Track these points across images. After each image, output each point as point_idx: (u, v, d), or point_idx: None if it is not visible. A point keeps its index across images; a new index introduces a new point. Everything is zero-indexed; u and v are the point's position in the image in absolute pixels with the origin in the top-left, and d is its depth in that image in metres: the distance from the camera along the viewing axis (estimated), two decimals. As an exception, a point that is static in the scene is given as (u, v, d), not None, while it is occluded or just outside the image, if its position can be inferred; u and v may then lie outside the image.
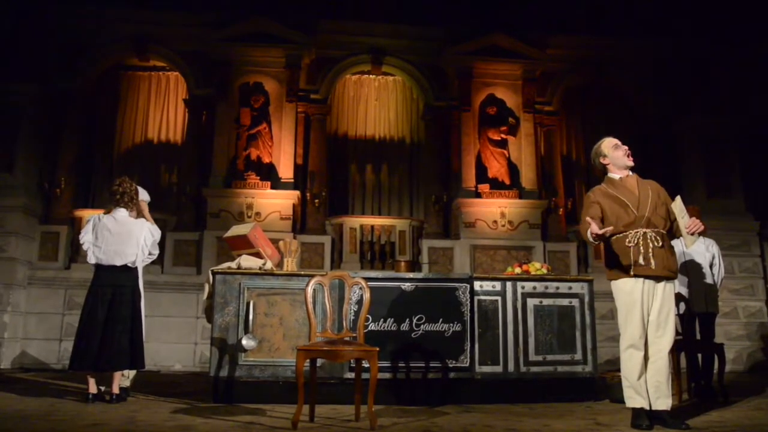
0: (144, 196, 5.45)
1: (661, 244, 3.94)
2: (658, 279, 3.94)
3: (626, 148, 4.15)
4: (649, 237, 3.94)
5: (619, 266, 4.01)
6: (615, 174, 4.17)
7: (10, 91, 9.58)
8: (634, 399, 3.94)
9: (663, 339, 3.91)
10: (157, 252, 5.44)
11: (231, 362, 5.05)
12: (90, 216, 5.25)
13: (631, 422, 3.93)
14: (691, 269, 5.99)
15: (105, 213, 5.23)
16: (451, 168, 10.60)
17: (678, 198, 4.04)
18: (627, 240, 3.98)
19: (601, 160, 4.22)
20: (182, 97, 10.92)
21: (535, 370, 5.35)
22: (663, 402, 3.87)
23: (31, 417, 4.18)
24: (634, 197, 4.03)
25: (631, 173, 4.15)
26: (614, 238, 4.06)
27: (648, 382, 3.90)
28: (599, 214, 4.07)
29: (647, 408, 3.90)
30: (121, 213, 5.16)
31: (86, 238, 5.09)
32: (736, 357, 9.55)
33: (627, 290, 3.98)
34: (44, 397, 5.31)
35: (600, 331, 6.35)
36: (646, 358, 3.94)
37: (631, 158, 4.13)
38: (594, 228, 3.78)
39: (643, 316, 3.93)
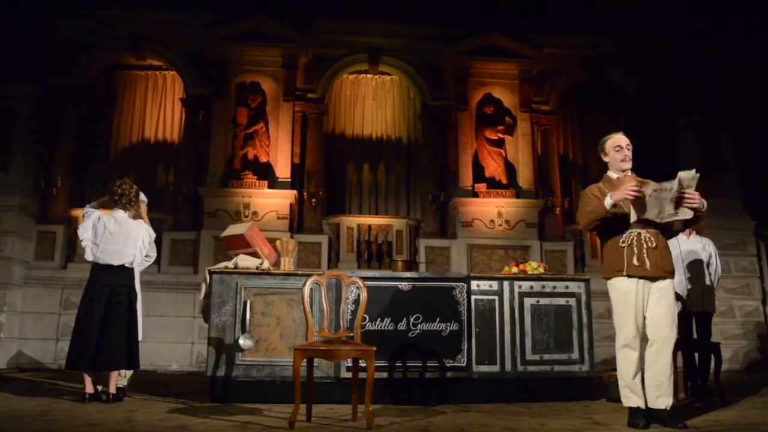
0: (141, 197, 5.44)
1: (654, 244, 3.93)
2: (653, 279, 3.93)
3: (627, 152, 4.12)
4: (643, 237, 3.93)
5: (613, 266, 4.01)
6: (613, 173, 4.19)
7: (6, 90, 9.58)
8: (629, 398, 3.94)
9: (664, 339, 3.86)
10: (154, 254, 5.43)
11: (228, 362, 5.04)
12: (85, 213, 5.22)
13: (627, 421, 3.93)
14: (688, 268, 5.99)
15: (88, 207, 5.22)
16: (448, 167, 10.61)
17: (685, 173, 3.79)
18: (621, 240, 3.98)
19: (602, 157, 4.25)
20: (179, 97, 10.93)
21: (532, 369, 5.35)
22: (663, 401, 3.84)
23: (28, 417, 4.17)
24: None
25: (629, 173, 4.15)
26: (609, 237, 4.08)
27: (649, 381, 3.86)
28: None
29: (644, 407, 3.90)
30: (120, 214, 5.16)
31: (86, 235, 5.07)
32: (733, 356, 9.58)
33: (622, 290, 3.97)
34: (41, 396, 5.30)
35: (597, 330, 6.34)
36: (642, 357, 3.93)
37: (628, 162, 4.12)
38: (627, 187, 3.77)
39: (638, 316, 3.92)
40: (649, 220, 3.94)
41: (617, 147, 4.15)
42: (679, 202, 3.79)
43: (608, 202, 3.88)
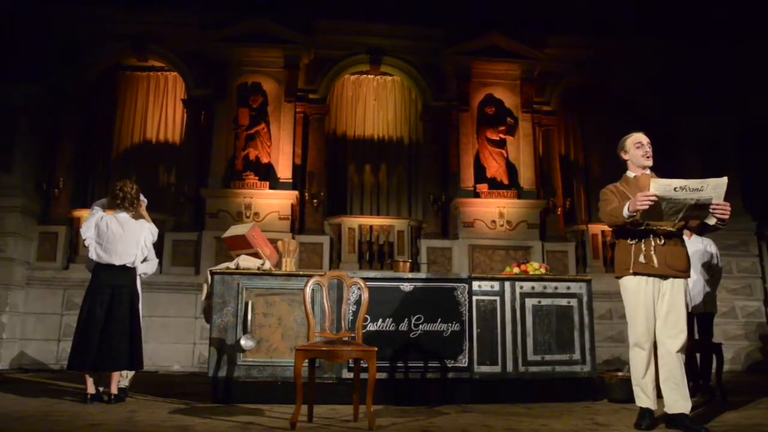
0: (140, 197, 5.46)
1: (664, 242, 3.88)
2: (663, 277, 3.87)
3: (648, 149, 4.08)
4: (651, 234, 3.90)
5: (623, 264, 3.98)
6: (631, 172, 4.14)
7: (8, 91, 9.59)
8: (640, 398, 3.92)
9: (673, 340, 3.80)
10: (153, 267, 5.45)
11: (230, 362, 5.05)
12: (91, 212, 5.24)
13: (635, 421, 3.93)
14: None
15: (95, 206, 5.25)
16: (449, 168, 10.61)
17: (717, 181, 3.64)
18: (630, 237, 3.95)
19: (623, 155, 4.19)
20: (181, 98, 10.93)
21: (533, 370, 5.35)
22: (682, 405, 3.76)
23: (30, 417, 4.18)
24: None
25: (648, 171, 4.10)
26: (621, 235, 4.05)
27: (664, 384, 3.81)
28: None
29: (653, 408, 3.88)
30: (122, 214, 5.18)
31: (89, 234, 5.09)
32: (734, 357, 9.57)
33: (631, 288, 3.94)
34: (43, 397, 5.31)
35: (598, 331, 6.36)
36: (652, 356, 3.89)
37: (649, 159, 4.07)
38: (638, 197, 3.64)
39: (648, 315, 3.88)
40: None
41: (638, 144, 4.11)
42: (704, 207, 3.67)
43: (625, 213, 3.78)
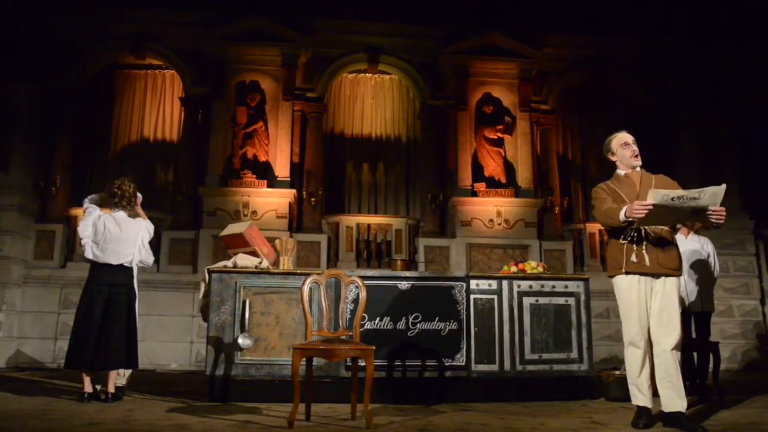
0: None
1: (655, 241, 3.89)
2: (655, 276, 3.88)
3: (635, 148, 4.08)
4: (643, 233, 3.90)
5: (615, 263, 3.99)
6: (621, 170, 4.16)
7: (6, 90, 9.58)
8: (636, 396, 3.93)
9: (668, 338, 3.79)
10: (151, 261, 5.38)
11: (227, 361, 5.04)
12: (86, 210, 5.22)
13: (632, 420, 3.94)
14: (686, 268, 6.00)
15: (89, 203, 5.23)
16: (447, 167, 10.61)
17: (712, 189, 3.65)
18: (622, 236, 3.97)
19: (610, 157, 4.20)
20: (178, 96, 10.92)
21: (531, 368, 5.35)
22: (678, 403, 3.75)
23: (27, 416, 4.17)
24: (633, 193, 3.96)
25: (638, 169, 4.11)
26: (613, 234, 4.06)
27: (660, 383, 3.81)
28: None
29: (649, 406, 3.89)
30: (120, 213, 5.17)
31: (86, 233, 5.07)
32: (731, 355, 9.59)
33: (624, 287, 3.95)
34: (40, 396, 5.30)
35: (596, 329, 6.35)
36: (648, 355, 3.90)
37: (638, 158, 4.08)
38: (635, 206, 3.68)
39: (641, 314, 3.89)
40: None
41: (624, 144, 4.12)
42: (700, 212, 3.69)
43: (622, 218, 3.81)
